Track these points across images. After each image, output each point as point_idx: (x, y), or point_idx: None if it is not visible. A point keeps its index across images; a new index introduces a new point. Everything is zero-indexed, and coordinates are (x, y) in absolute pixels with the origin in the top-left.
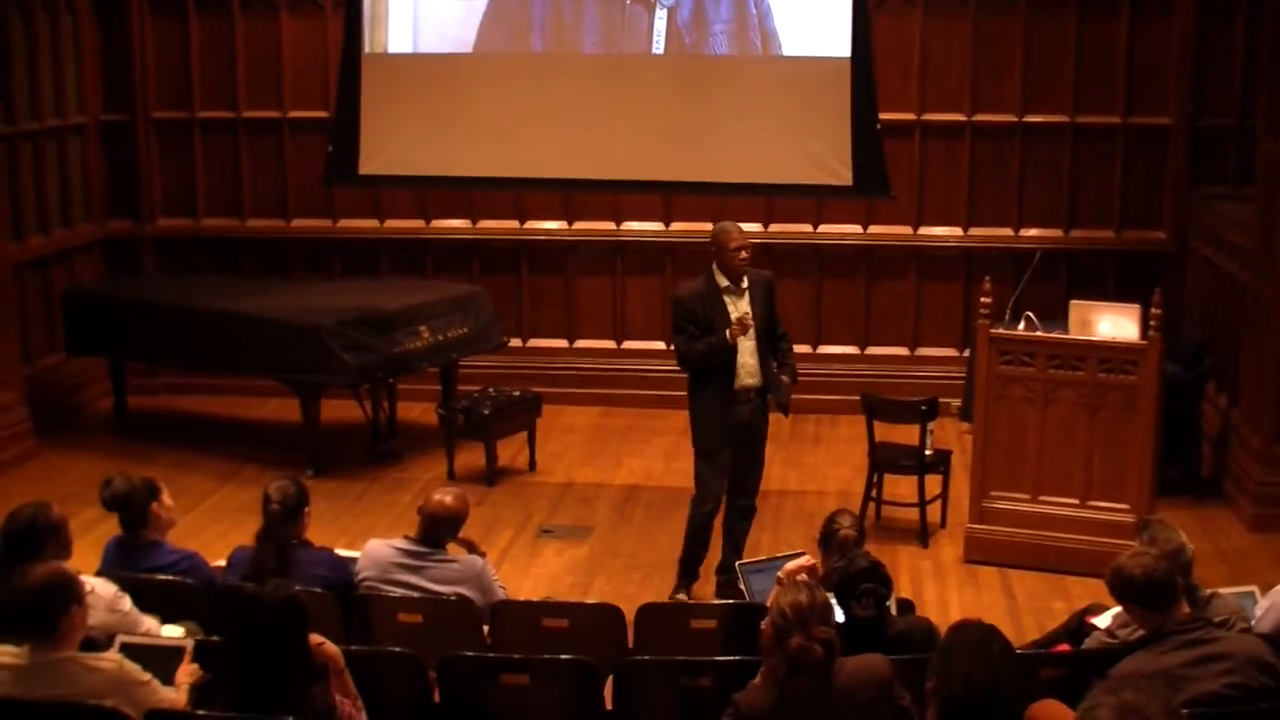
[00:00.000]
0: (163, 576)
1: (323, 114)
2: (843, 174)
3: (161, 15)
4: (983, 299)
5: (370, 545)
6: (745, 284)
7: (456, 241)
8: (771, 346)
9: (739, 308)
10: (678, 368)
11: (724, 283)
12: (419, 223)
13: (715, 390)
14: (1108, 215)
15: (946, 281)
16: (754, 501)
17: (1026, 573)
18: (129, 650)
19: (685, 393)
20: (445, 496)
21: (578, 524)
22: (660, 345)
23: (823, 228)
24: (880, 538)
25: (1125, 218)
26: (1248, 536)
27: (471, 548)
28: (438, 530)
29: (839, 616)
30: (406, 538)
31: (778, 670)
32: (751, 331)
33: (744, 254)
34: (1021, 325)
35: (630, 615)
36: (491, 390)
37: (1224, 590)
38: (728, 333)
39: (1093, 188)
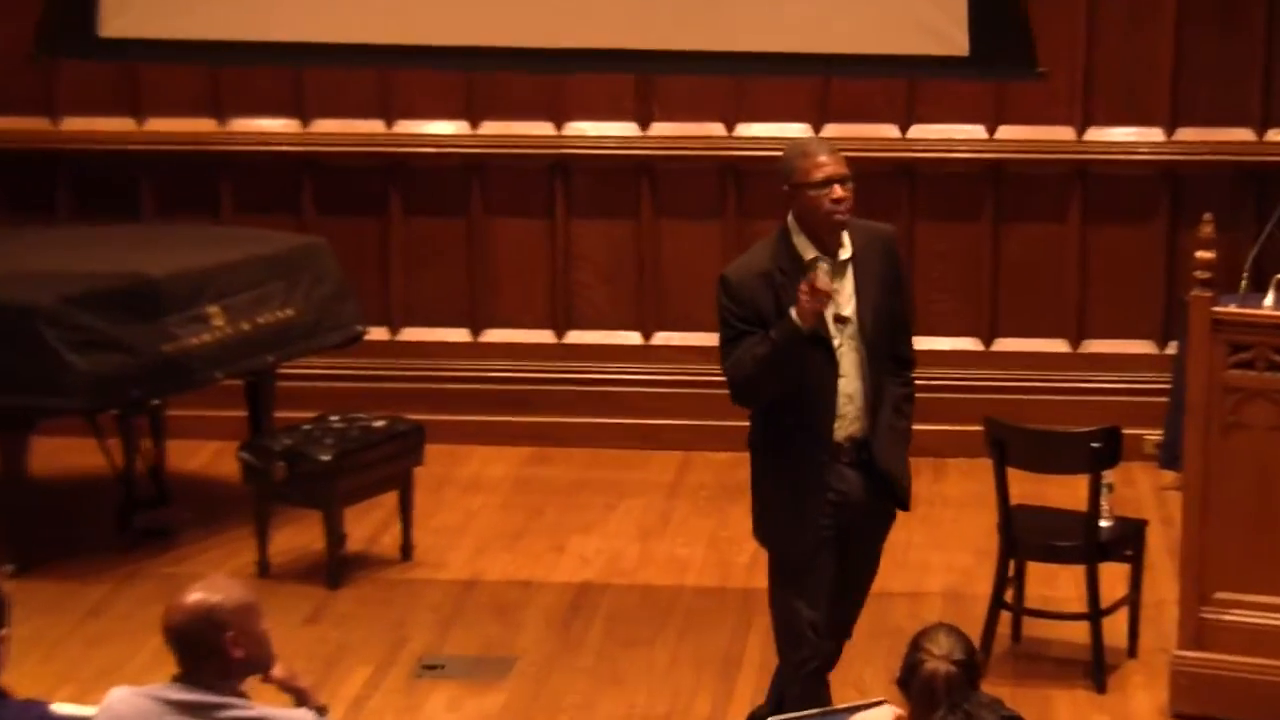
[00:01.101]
0: None
1: None
2: (955, 38)
3: None
4: (1199, 253)
5: (114, 697)
6: (847, 251)
7: (275, 157)
8: (889, 368)
9: (837, 296)
10: (729, 397)
11: (808, 251)
12: (207, 124)
13: (800, 447)
14: None
15: (1134, 223)
16: (843, 641)
17: None
18: None
19: (679, 422)
20: (201, 592)
21: (488, 654)
22: (635, 338)
23: (917, 131)
24: (1021, 673)
25: None
26: None
27: (301, 697)
28: (204, 654)
29: None
30: (176, 680)
31: None
32: (853, 329)
33: (840, 193)
34: (1270, 299)
35: None
36: (337, 419)
37: None
38: (794, 310)
39: None
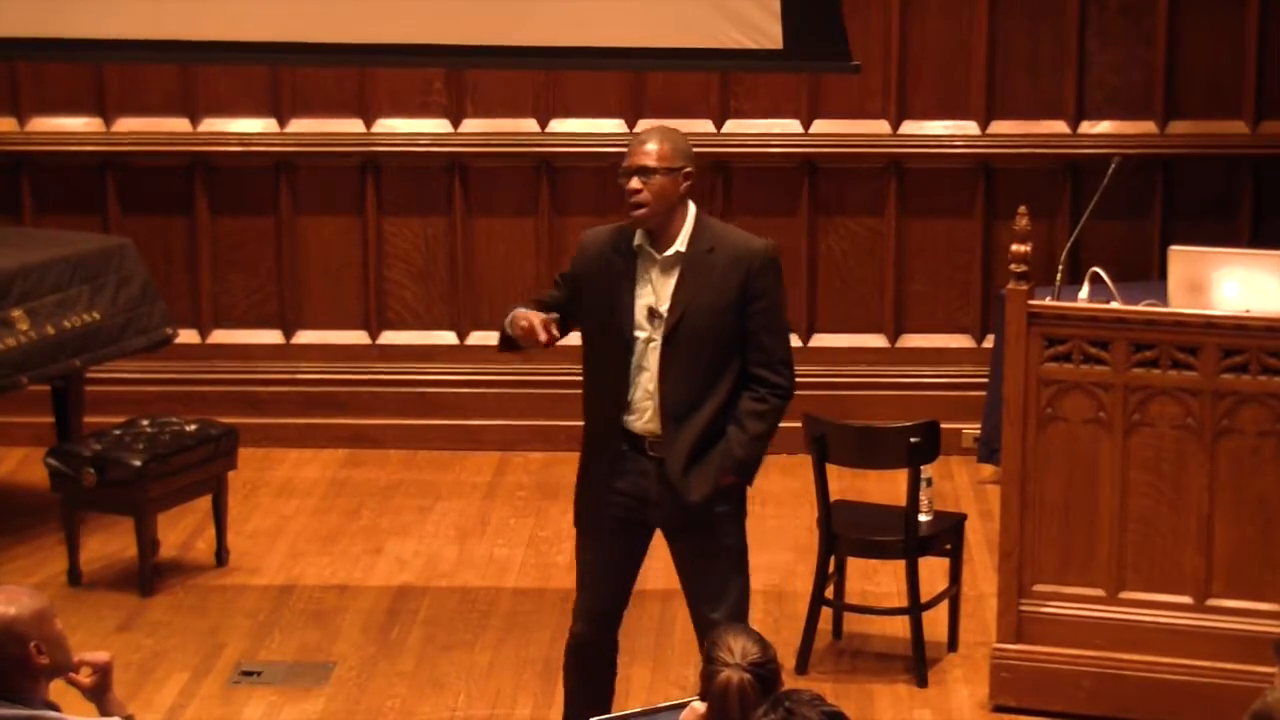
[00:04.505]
0: None
1: None
2: (767, 30)
3: None
4: (1015, 247)
5: None
6: (677, 248)
7: (76, 157)
8: (734, 389)
9: (658, 290)
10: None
11: (639, 236)
12: (7, 122)
13: (594, 431)
14: (1234, 96)
15: (950, 217)
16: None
17: None
18: None
19: (496, 422)
20: None
21: (306, 660)
22: (449, 338)
23: (731, 126)
24: (843, 669)
25: (1265, 100)
26: None
27: (104, 707)
28: (10, 667)
29: None
30: None
31: None
32: (656, 346)
33: (632, 185)
34: (1085, 291)
35: None
36: (147, 423)
37: None
38: (508, 321)
39: (1209, 51)
